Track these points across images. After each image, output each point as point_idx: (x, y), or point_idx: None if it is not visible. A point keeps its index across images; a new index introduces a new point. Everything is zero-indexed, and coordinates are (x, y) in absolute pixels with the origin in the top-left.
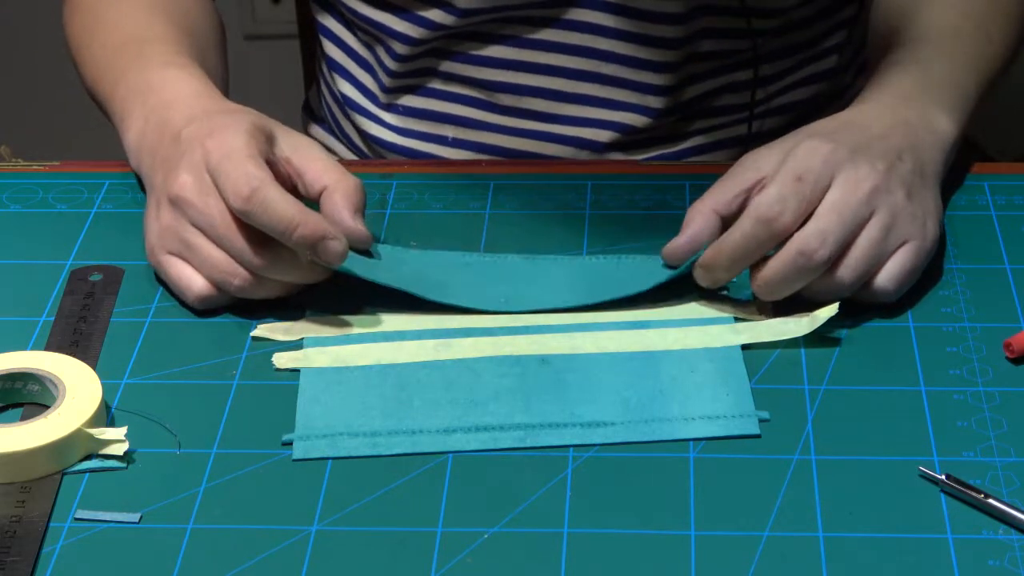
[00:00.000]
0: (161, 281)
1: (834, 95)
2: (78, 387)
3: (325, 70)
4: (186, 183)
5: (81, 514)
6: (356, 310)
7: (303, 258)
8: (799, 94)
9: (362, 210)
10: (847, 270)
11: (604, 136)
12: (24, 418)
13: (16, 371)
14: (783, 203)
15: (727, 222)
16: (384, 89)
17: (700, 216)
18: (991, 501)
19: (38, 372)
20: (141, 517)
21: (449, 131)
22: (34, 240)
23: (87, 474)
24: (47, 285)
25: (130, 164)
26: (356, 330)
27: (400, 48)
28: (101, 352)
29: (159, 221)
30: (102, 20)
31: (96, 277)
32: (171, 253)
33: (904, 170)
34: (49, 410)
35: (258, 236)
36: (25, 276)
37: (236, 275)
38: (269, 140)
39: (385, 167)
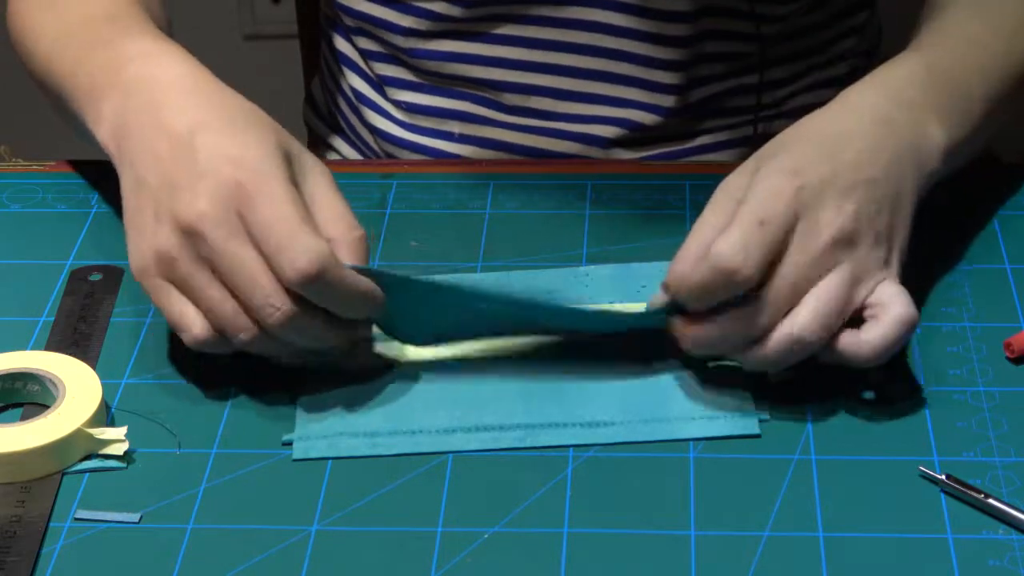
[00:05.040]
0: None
1: None
2: (78, 387)
3: (333, 64)
4: (205, 214)
5: (81, 514)
6: None
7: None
8: (808, 99)
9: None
10: (797, 327)
11: (611, 132)
12: (24, 418)
13: (16, 371)
14: (746, 252)
15: None
16: (392, 84)
17: (685, 261)
18: (991, 501)
19: (38, 372)
20: (141, 517)
21: (455, 127)
22: (34, 240)
23: (87, 474)
24: (47, 285)
25: (105, 149)
26: None
27: (404, 43)
28: (101, 352)
29: (156, 239)
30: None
31: (96, 277)
32: (168, 280)
33: (871, 210)
34: (49, 410)
35: (280, 295)
36: (25, 276)
37: (246, 329)
38: (290, 165)
39: (385, 167)
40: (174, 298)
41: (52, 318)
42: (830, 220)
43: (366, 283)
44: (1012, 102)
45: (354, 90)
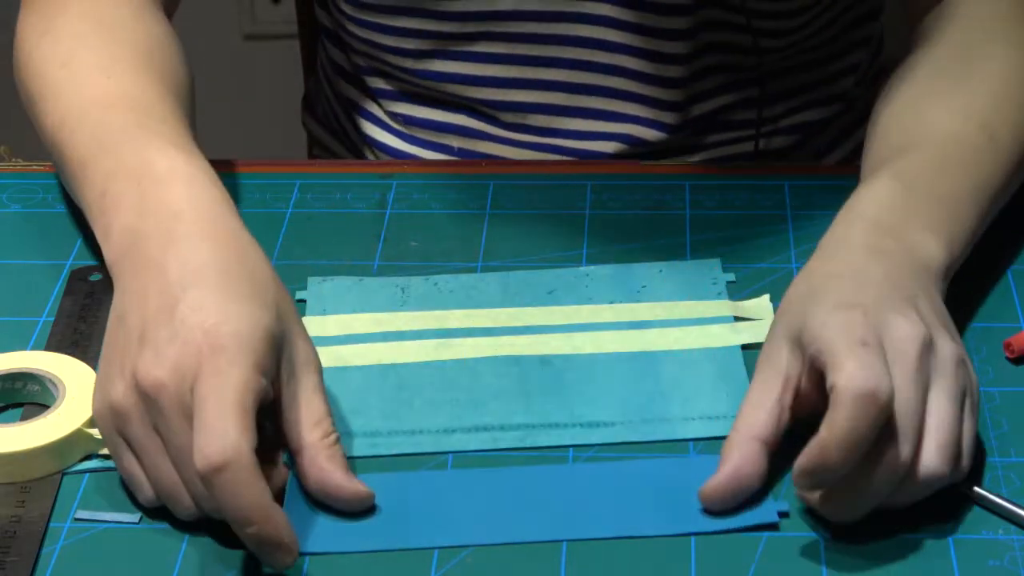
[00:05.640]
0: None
1: (845, 115)
2: (78, 387)
3: (329, 72)
4: (163, 384)
5: (81, 514)
6: (356, 310)
7: (249, 546)
8: (810, 115)
9: (347, 466)
10: (934, 455)
11: (612, 148)
12: (24, 418)
13: (16, 371)
14: (873, 371)
15: (770, 447)
16: (386, 97)
17: (738, 446)
18: (991, 500)
19: (38, 372)
20: (141, 517)
21: (454, 141)
22: (34, 240)
23: (87, 474)
24: (47, 285)
25: (108, 265)
26: (356, 330)
27: (395, 61)
28: (101, 352)
29: (115, 391)
30: (78, 54)
31: (96, 277)
32: (122, 436)
33: (929, 312)
34: (49, 410)
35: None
36: (25, 276)
37: (188, 506)
38: (277, 351)
39: (385, 167)
40: (126, 457)
41: (52, 318)
42: (907, 332)
43: (260, 498)
44: (1006, 192)
45: (350, 101)
